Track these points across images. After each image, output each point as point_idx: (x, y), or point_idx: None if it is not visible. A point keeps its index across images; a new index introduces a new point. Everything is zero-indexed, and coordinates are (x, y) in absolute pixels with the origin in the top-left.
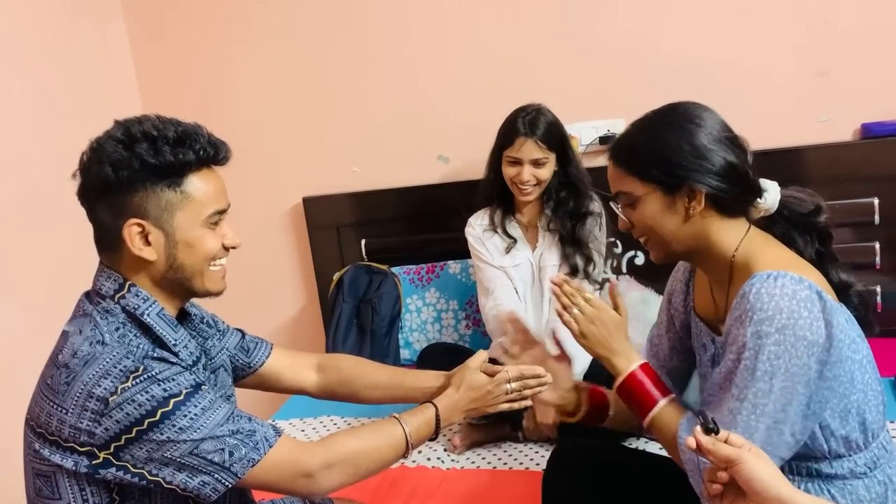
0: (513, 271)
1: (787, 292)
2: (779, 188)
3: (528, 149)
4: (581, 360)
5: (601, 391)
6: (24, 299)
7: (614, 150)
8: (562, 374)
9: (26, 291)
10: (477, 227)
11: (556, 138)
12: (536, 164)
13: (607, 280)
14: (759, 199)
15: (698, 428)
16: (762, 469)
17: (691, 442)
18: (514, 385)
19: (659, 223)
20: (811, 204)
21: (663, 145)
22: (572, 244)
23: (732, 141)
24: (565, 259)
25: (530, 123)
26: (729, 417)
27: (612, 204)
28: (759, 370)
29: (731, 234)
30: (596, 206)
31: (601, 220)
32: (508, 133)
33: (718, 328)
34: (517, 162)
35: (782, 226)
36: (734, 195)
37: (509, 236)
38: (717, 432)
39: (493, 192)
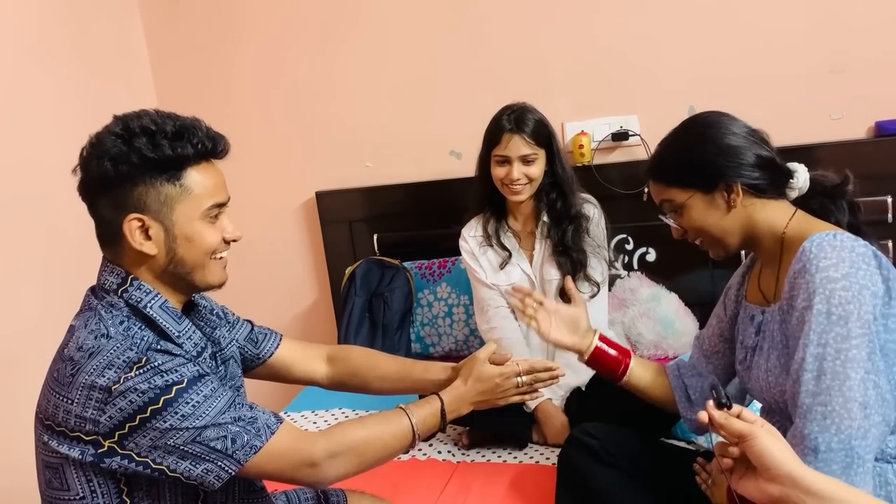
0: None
1: (846, 246)
2: (806, 168)
3: (516, 145)
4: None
5: (612, 355)
6: (36, 294)
7: (650, 169)
8: (578, 317)
9: (39, 286)
10: (470, 239)
11: (544, 135)
12: (525, 160)
13: (618, 277)
14: (791, 180)
15: (711, 402)
16: (774, 445)
17: (703, 416)
18: (524, 378)
19: (707, 221)
20: (838, 177)
21: (691, 152)
22: (563, 252)
23: (753, 134)
24: (559, 268)
25: (517, 120)
26: (814, 364)
27: (661, 216)
28: (834, 314)
29: (778, 214)
30: (588, 207)
31: (599, 220)
32: (494, 131)
33: (768, 304)
34: (506, 160)
35: (817, 200)
36: (767, 180)
37: (504, 248)
38: (729, 407)
39: (483, 198)
